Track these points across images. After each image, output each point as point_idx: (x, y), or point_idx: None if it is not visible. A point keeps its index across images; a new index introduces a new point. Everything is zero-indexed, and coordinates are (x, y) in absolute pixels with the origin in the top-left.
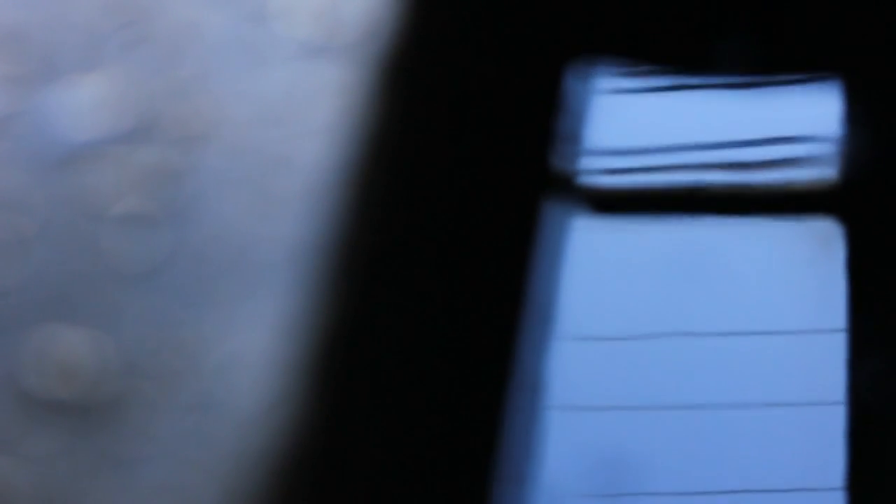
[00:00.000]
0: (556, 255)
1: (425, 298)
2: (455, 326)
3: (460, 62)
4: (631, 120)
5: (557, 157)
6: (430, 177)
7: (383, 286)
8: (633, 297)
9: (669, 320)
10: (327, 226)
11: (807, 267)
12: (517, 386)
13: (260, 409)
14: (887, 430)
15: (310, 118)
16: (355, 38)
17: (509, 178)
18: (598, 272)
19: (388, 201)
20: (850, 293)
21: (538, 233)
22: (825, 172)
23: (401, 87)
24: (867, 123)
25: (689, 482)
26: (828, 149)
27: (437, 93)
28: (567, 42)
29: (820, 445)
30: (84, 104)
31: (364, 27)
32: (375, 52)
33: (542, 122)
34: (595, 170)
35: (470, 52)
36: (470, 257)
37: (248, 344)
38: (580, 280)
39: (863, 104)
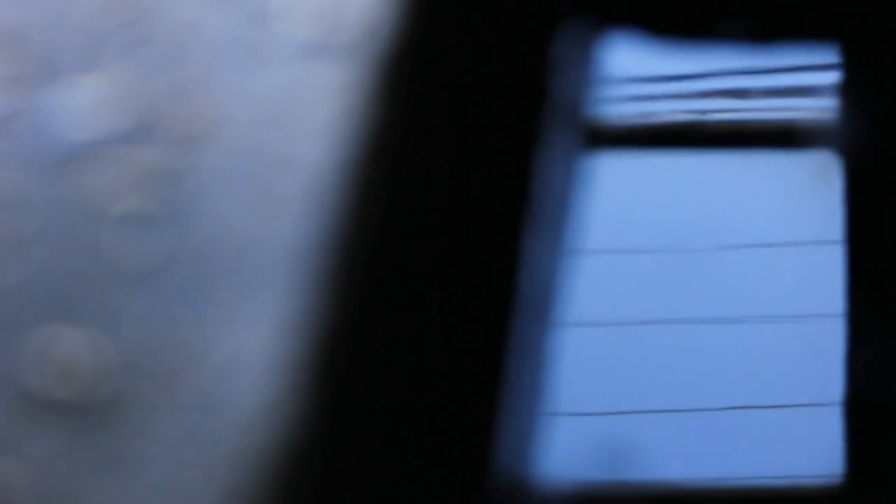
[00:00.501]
0: (559, 192)
1: (428, 286)
2: (459, 304)
3: (461, 56)
4: (630, 66)
5: (558, 93)
6: (431, 175)
7: (383, 285)
8: (633, 223)
9: (670, 240)
10: (327, 226)
11: (805, 196)
12: (525, 319)
13: (260, 408)
14: (885, 346)
15: (310, 118)
16: (355, 38)
17: (510, 113)
18: (601, 202)
19: (388, 201)
20: (846, 223)
21: (541, 169)
22: (824, 105)
23: (401, 87)
24: (866, 84)
25: (691, 398)
26: (827, 82)
27: (437, 91)
28: (567, 17)
29: (819, 359)
30: (84, 104)
31: (364, 27)
32: (375, 52)
33: (542, 64)
34: (598, 105)
35: (470, 43)
36: (474, 214)
37: (248, 344)
38: (584, 209)
39: (862, 66)
